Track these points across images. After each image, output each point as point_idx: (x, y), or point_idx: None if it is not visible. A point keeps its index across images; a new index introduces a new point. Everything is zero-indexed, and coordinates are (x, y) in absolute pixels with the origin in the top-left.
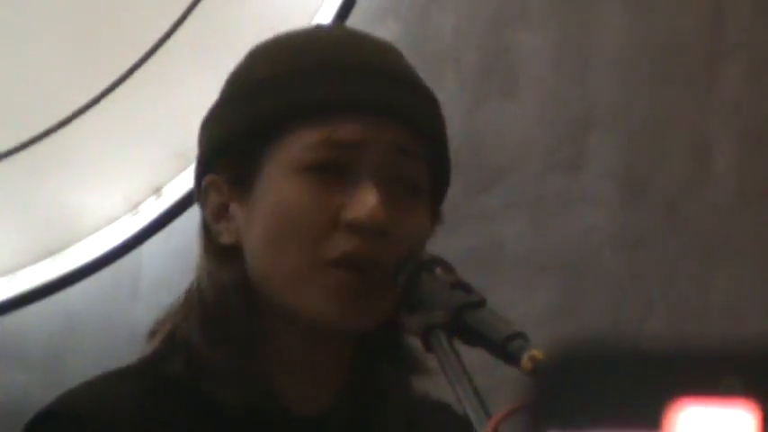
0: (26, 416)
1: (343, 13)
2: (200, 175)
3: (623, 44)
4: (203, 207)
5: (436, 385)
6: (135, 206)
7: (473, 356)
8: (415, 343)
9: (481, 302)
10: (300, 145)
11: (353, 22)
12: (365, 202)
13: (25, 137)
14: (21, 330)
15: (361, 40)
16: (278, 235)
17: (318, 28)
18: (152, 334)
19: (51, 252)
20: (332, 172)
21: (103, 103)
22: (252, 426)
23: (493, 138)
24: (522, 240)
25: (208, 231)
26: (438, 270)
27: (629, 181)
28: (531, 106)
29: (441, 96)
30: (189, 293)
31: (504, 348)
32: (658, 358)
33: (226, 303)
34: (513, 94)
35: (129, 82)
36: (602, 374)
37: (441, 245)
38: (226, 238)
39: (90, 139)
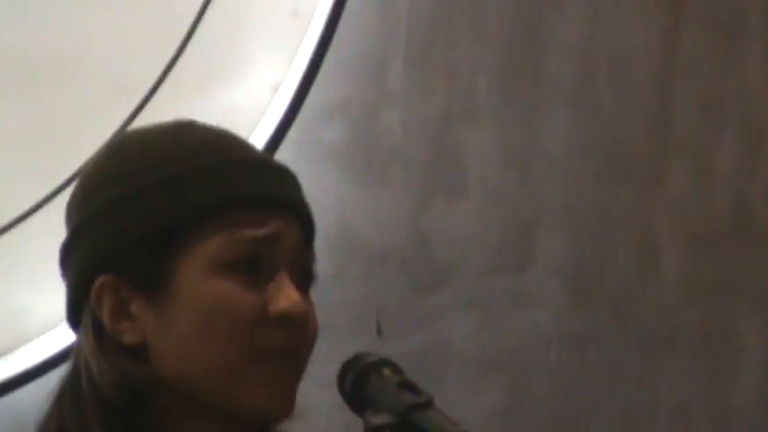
0: None
1: (292, 111)
2: (85, 277)
3: (570, 143)
4: (96, 308)
5: None
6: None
7: None
8: None
9: (428, 403)
10: (214, 245)
11: (301, 120)
12: (289, 295)
13: None
14: None
15: (229, 135)
16: (205, 333)
17: (180, 123)
18: None
19: (1, 353)
20: (249, 269)
21: (54, 202)
22: None
23: (440, 237)
24: (469, 340)
25: (101, 332)
26: (385, 371)
27: (575, 280)
28: (477, 206)
29: (388, 195)
30: (76, 391)
31: None
32: None
33: (138, 403)
34: (460, 194)
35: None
36: None
37: (388, 344)
38: (130, 338)
39: (38, 240)
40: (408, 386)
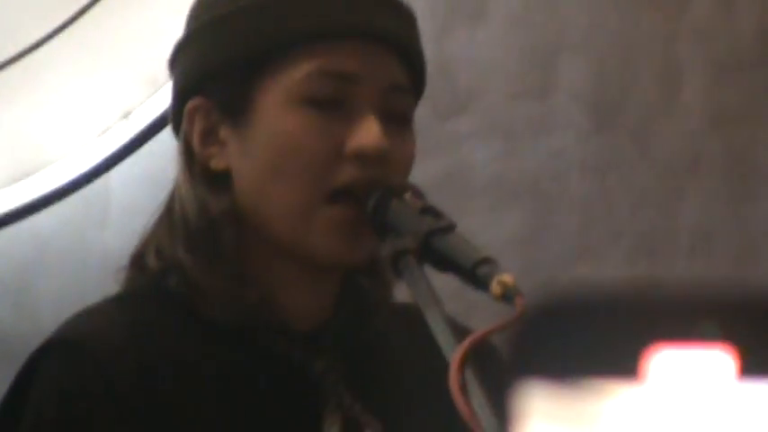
0: None
1: None
2: (183, 97)
3: None
4: (188, 130)
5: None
6: (104, 131)
7: (443, 282)
8: None
9: (450, 228)
10: (299, 75)
11: None
12: (369, 131)
13: None
14: None
15: None
16: (279, 170)
17: None
18: (138, 257)
19: (19, 177)
20: (331, 105)
21: (71, 27)
22: (252, 342)
23: (462, 63)
24: (490, 165)
25: (191, 155)
26: (407, 195)
27: (597, 106)
28: (499, 31)
29: None
30: (169, 215)
31: (474, 273)
32: (635, 304)
33: (215, 232)
34: (481, 19)
35: (97, 6)
36: (579, 322)
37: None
38: (216, 163)
39: (58, 64)
40: (430, 211)
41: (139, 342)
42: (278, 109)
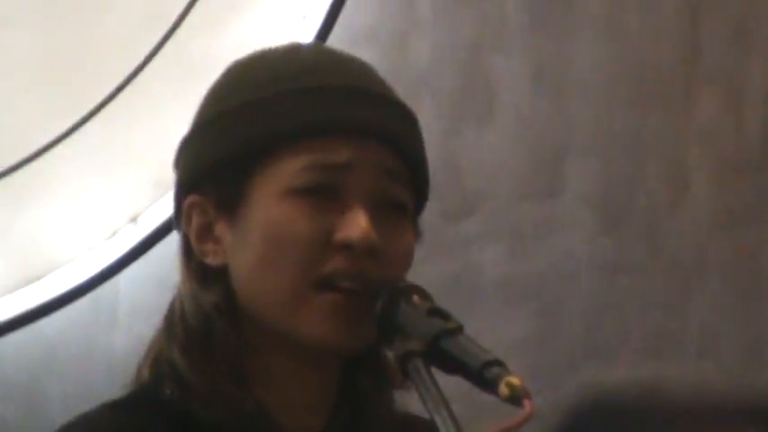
0: None
1: (320, 38)
2: (182, 195)
3: (600, 70)
4: (186, 227)
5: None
6: (112, 234)
7: (451, 384)
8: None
9: (458, 329)
10: (289, 169)
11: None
12: (356, 223)
13: (1, 166)
14: None
15: (340, 60)
16: (269, 258)
17: (296, 46)
18: (142, 363)
19: (29, 281)
20: (321, 194)
21: (81, 131)
22: None
23: (470, 164)
24: (498, 267)
25: (190, 253)
26: (415, 297)
27: (605, 207)
28: (507, 133)
29: None
30: (170, 317)
31: (482, 375)
32: (678, 408)
33: (209, 327)
34: (489, 121)
35: (106, 110)
36: (624, 424)
37: (418, 271)
38: (212, 260)
39: (67, 168)
40: (438, 312)
41: None
42: (269, 201)
